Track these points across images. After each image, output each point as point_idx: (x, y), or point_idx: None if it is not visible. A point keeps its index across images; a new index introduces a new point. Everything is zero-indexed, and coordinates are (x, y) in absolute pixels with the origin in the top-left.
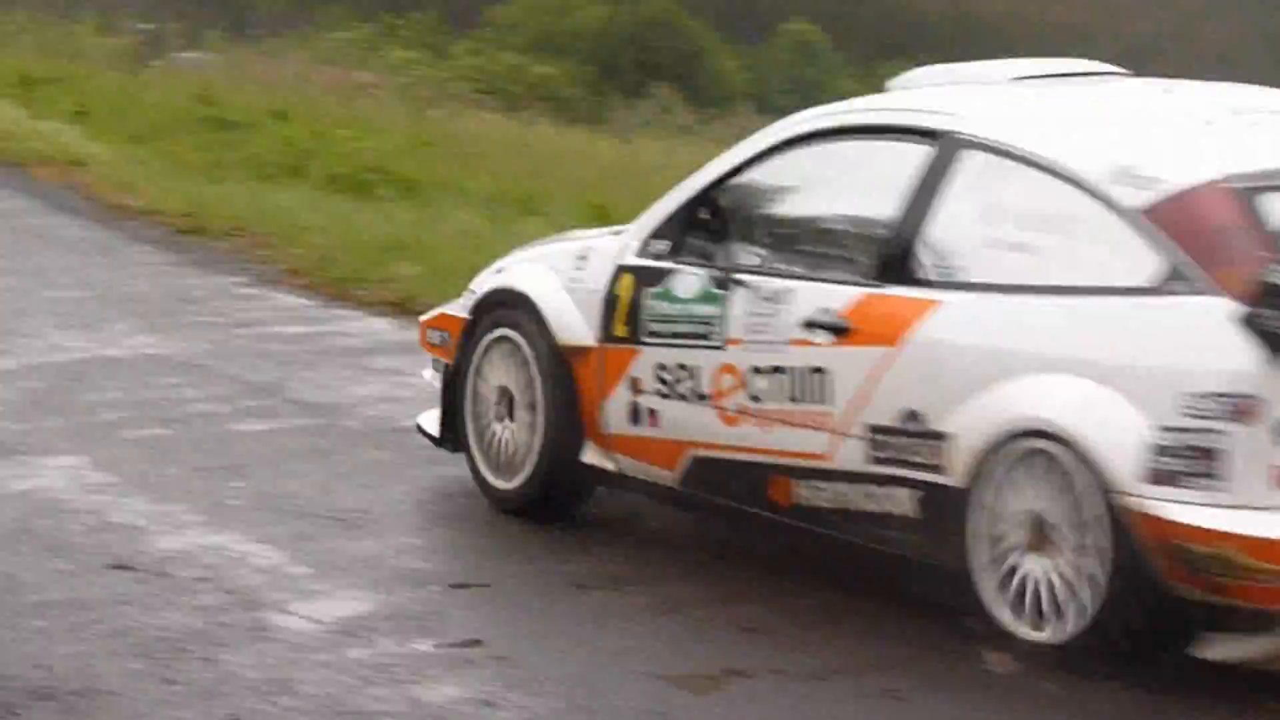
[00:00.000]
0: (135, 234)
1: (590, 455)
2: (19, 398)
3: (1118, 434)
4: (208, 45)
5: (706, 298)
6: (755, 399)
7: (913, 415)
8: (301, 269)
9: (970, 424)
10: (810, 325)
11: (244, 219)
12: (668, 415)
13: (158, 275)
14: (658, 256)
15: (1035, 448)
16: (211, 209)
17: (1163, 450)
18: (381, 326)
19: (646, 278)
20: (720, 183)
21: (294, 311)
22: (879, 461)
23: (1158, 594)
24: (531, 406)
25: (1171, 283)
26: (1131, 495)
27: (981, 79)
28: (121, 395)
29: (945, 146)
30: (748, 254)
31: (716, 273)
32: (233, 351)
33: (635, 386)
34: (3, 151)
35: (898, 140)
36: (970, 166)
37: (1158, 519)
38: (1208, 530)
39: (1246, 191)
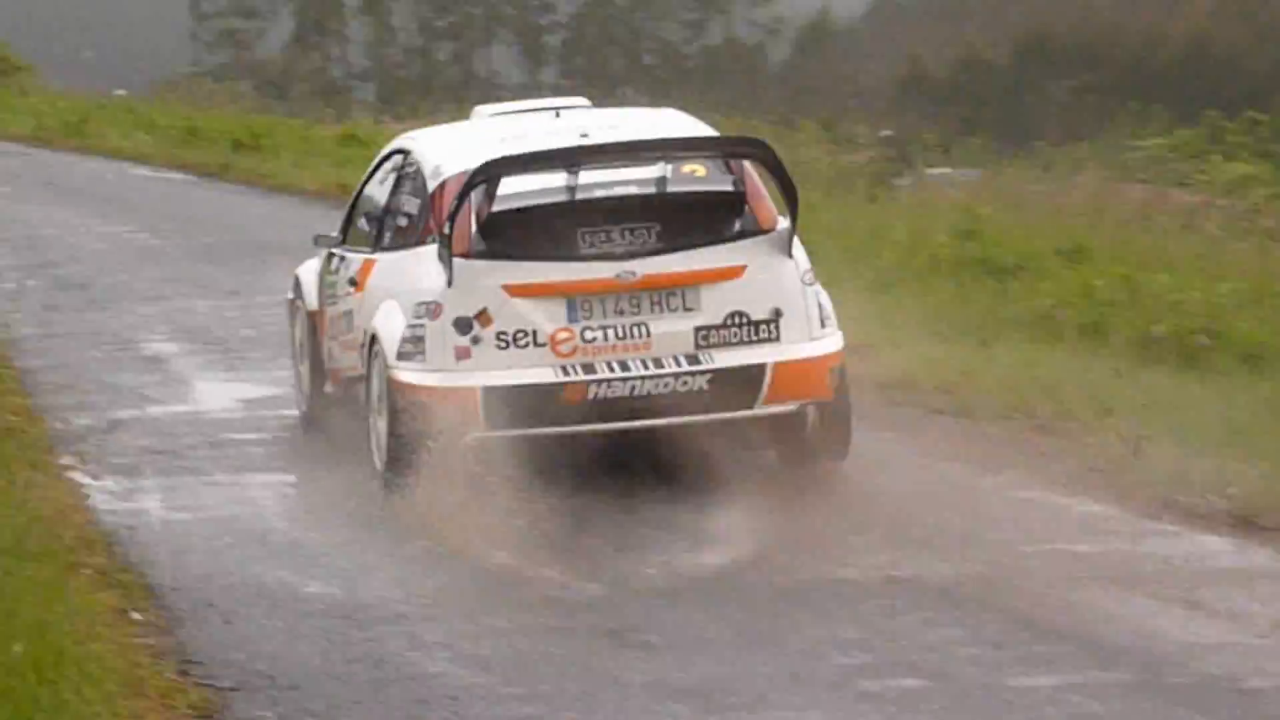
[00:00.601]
0: (880, 415)
1: (328, 387)
2: None
3: (392, 331)
4: (967, 159)
5: (335, 270)
6: (343, 334)
7: (365, 333)
8: (1104, 466)
9: (365, 334)
10: (350, 282)
11: (1024, 395)
12: (334, 352)
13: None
14: (334, 243)
15: (377, 350)
16: (980, 381)
17: (405, 340)
18: (1216, 547)
19: (329, 259)
20: (362, 188)
21: (1093, 524)
22: (365, 366)
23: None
24: (308, 353)
25: (428, 235)
26: (392, 368)
27: (480, 114)
28: (856, 632)
29: (405, 159)
30: (351, 237)
31: (338, 251)
32: (1007, 578)
33: (327, 334)
34: None
35: (399, 156)
36: (407, 170)
37: (399, 381)
38: (412, 385)
39: (472, 180)
